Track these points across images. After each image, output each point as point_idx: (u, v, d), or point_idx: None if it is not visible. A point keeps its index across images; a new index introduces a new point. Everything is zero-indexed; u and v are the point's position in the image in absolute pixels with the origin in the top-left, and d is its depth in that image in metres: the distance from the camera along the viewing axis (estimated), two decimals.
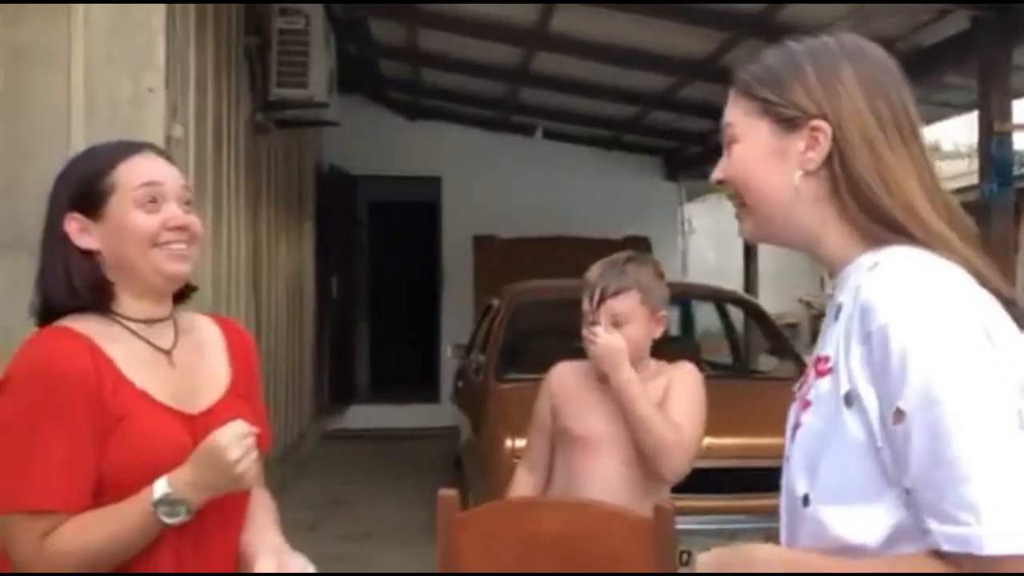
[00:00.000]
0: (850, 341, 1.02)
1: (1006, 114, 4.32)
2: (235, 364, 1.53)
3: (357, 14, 6.54)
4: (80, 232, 1.42)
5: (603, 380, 2.17)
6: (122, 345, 1.40)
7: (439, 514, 1.76)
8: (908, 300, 0.99)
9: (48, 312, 1.43)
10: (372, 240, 10.98)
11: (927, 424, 0.94)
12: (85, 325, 1.39)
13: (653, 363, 2.22)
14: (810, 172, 1.09)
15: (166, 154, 1.52)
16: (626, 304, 2.13)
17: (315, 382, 8.11)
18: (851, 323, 1.02)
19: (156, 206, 1.41)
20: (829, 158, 1.08)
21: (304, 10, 5.46)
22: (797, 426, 1.09)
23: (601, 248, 2.60)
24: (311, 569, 1.40)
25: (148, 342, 1.43)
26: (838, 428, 1.02)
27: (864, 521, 1.00)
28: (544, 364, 2.44)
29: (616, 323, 2.13)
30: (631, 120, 8.52)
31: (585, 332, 2.17)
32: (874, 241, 1.08)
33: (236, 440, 1.30)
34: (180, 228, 1.43)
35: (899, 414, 0.96)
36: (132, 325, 1.43)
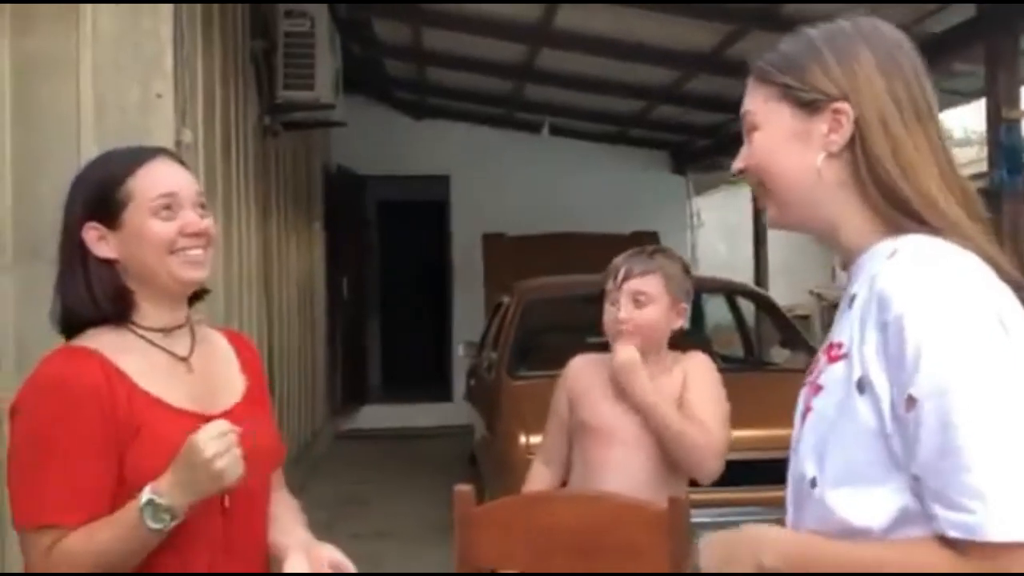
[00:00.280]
0: (865, 329, 1.02)
1: (1014, 100, 4.30)
2: (247, 374, 1.56)
3: (361, 15, 6.56)
4: (98, 241, 1.42)
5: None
6: (138, 357, 1.41)
7: (455, 509, 1.78)
8: (925, 290, 0.99)
9: (70, 322, 1.44)
10: (381, 240, 11.00)
11: (937, 412, 0.95)
12: (99, 341, 1.40)
13: (670, 355, 2.23)
14: (832, 155, 1.10)
15: (179, 158, 1.53)
16: (649, 285, 2.14)
17: (328, 383, 8.14)
18: (867, 311, 1.03)
19: (172, 213, 1.42)
20: (851, 141, 1.09)
21: (309, 12, 5.47)
22: (808, 410, 1.10)
23: (609, 244, 2.62)
24: (341, 556, 1.42)
25: (165, 350, 1.44)
26: (849, 413, 1.03)
27: (870, 505, 1.01)
28: (556, 360, 2.45)
29: (637, 302, 2.14)
30: (637, 115, 8.51)
31: (606, 319, 2.18)
32: (892, 228, 1.08)
33: (214, 438, 1.30)
34: (196, 234, 1.43)
35: (911, 401, 0.97)
36: (149, 335, 1.44)
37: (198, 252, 1.44)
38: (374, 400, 9.76)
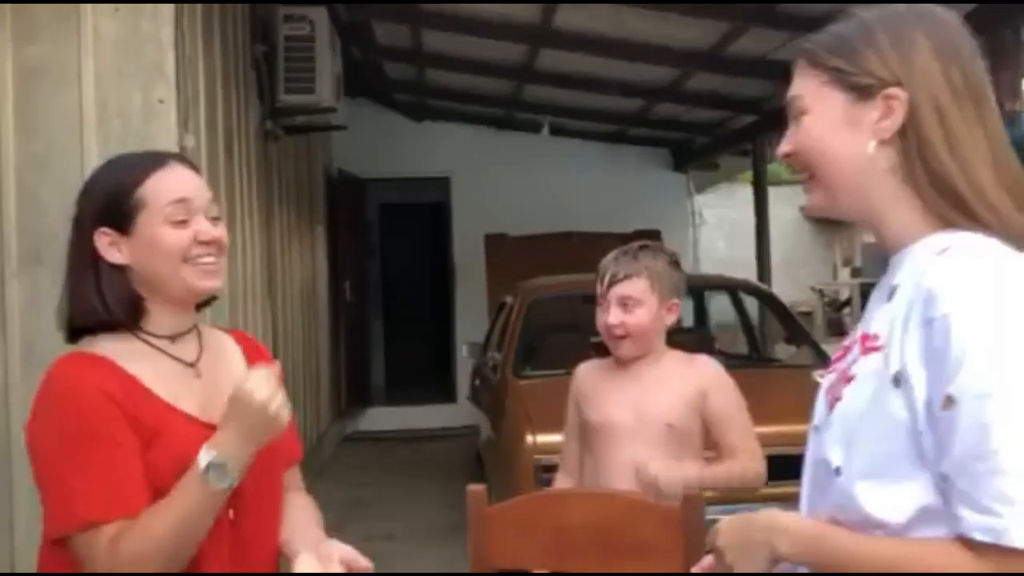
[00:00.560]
0: (908, 324, 1.01)
1: (1016, 93, 4.30)
2: None
3: (360, 17, 6.56)
4: (110, 246, 1.41)
5: (622, 370, 2.20)
6: (146, 364, 1.40)
7: (469, 509, 1.78)
8: (975, 291, 0.98)
9: (78, 327, 1.43)
10: (383, 242, 11.02)
11: (975, 414, 0.94)
12: (107, 348, 1.39)
13: (668, 352, 2.24)
14: (883, 142, 1.07)
15: (191, 163, 1.52)
16: (634, 288, 2.15)
17: (332, 386, 8.14)
18: (912, 306, 1.01)
19: (185, 221, 1.41)
20: (902, 128, 1.06)
21: (309, 16, 5.48)
22: (837, 399, 1.08)
23: (612, 243, 2.61)
24: (353, 553, 1.40)
25: (173, 357, 1.44)
26: (881, 406, 1.02)
27: (892, 500, 1.01)
28: (561, 359, 2.47)
29: (624, 306, 2.15)
30: (637, 113, 8.51)
31: (598, 323, 2.20)
32: (940, 221, 1.06)
33: (261, 381, 1.30)
34: (210, 242, 1.43)
35: (949, 401, 0.96)
36: (157, 343, 1.43)
37: (212, 260, 1.43)
38: (378, 402, 9.76)
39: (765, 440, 3.52)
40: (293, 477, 1.59)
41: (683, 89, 7.34)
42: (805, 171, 1.14)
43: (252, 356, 1.57)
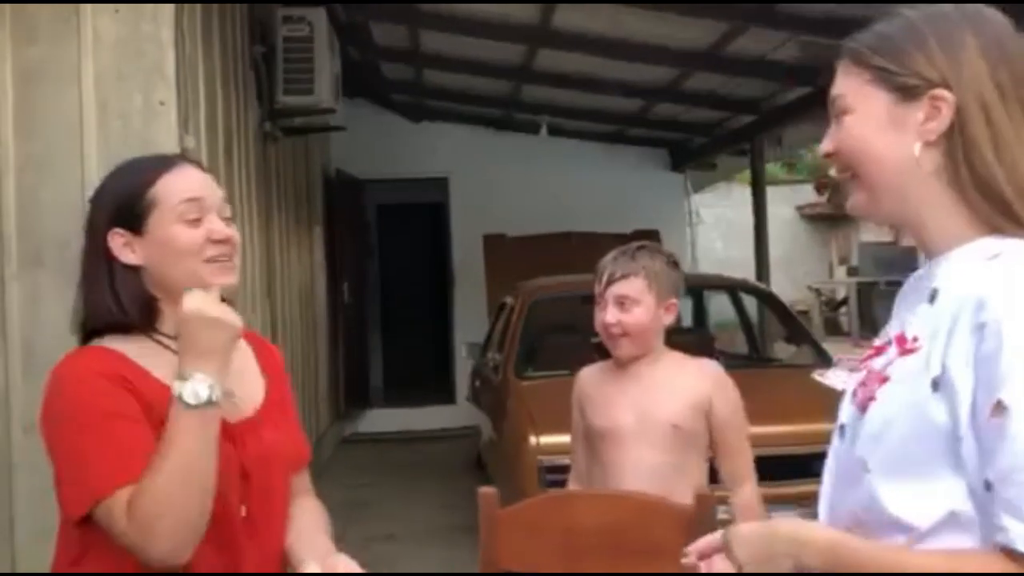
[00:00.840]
0: (955, 328, 0.99)
1: None
2: (268, 378, 1.55)
3: (358, 18, 6.56)
4: (124, 247, 1.42)
5: (622, 372, 2.20)
6: (158, 359, 1.40)
7: (481, 511, 1.77)
8: None
9: (90, 328, 1.43)
10: (382, 243, 11.01)
11: None
12: (117, 345, 1.40)
13: (667, 353, 2.24)
14: (928, 143, 1.05)
15: (201, 165, 1.52)
16: (631, 288, 2.16)
17: (331, 387, 8.13)
18: (959, 310, 0.99)
19: (198, 219, 1.42)
20: (948, 130, 1.04)
21: (307, 17, 5.47)
22: (870, 399, 1.07)
23: (611, 243, 2.62)
24: (357, 570, 1.38)
25: None
26: (918, 410, 1.00)
27: (920, 503, 0.99)
28: (563, 360, 2.47)
29: (621, 305, 2.16)
30: (635, 113, 8.52)
31: (596, 322, 2.21)
32: (985, 226, 1.04)
33: (195, 296, 1.32)
34: (223, 241, 1.43)
35: (999, 407, 0.93)
36: (170, 343, 1.42)
37: (225, 259, 1.44)
38: (377, 404, 9.75)
39: (765, 440, 3.53)
40: (302, 481, 1.58)
41: (681, 89, 7.35)
42: (846, 171, 1.13)
43: (261, 354, 1.58)
